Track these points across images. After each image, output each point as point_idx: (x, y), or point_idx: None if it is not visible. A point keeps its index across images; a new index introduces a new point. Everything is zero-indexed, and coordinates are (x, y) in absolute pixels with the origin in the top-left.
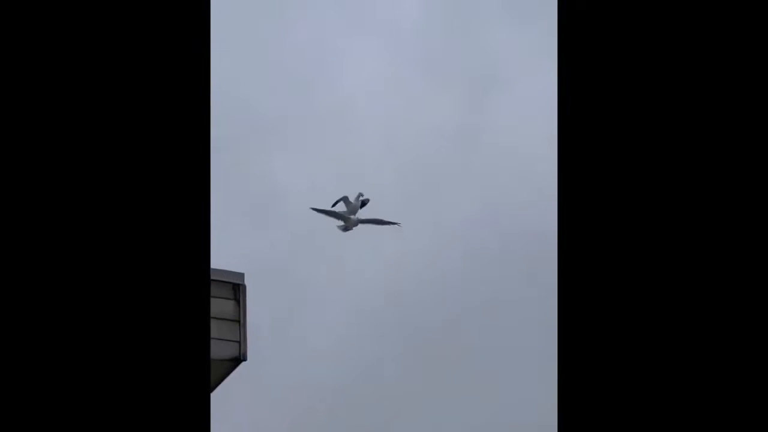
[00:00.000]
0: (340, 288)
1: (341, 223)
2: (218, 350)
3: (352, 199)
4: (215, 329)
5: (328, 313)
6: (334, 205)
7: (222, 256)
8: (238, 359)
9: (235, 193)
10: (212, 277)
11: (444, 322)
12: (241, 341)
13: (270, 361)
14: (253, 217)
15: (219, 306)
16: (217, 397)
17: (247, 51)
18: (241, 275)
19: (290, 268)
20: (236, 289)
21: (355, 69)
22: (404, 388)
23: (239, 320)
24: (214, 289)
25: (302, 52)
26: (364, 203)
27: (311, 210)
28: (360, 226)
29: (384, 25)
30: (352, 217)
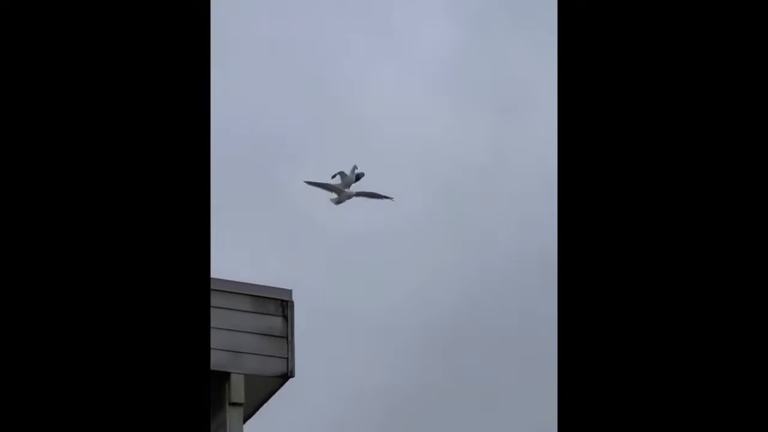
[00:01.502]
0: (374, 310)
1: (335, 195)
2: (266, 367)
3: (347, 172)
4: (263, 345)
5: (366, 334)
6: (332, 178)
7: (264, 274)
8: (287, 375)
9: (256, 208)
10: (260, 294)
11: (477, 340)
12: (289, 358)
13: (317, 378)
14: (285, 234)
15: (267, 322)
16: (265, 413)
17: (259, 66)
18: (289, 292)
19: (323, 288)
20: (284, 305)
21: (379, 88)
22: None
23: (287, 336)
24: (262, 306)
25: (316, 66)
26: (358, 177)
27: (305, 183)
28: (354, 199)
29: (407, 45)
30: (346, 189)
